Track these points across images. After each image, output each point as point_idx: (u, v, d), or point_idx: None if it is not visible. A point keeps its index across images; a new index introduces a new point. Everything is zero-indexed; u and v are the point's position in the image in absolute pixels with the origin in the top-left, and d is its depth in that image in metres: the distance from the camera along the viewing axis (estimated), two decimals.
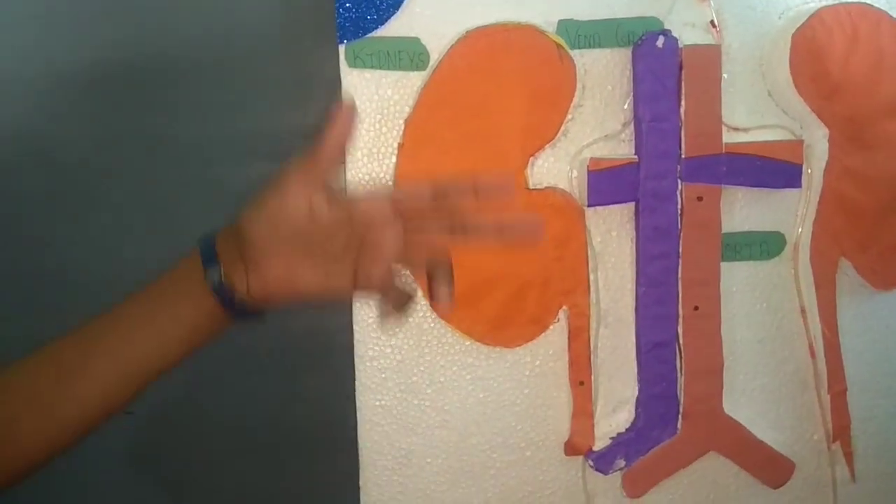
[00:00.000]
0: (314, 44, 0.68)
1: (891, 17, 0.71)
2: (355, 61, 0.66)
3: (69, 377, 0.46)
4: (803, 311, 0.73)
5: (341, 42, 0.65)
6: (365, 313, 0.68)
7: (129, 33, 0.67)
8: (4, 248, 0.70)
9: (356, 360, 0.69)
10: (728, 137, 0.70)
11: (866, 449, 0.76)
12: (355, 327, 0.69)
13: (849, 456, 0.75)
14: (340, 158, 0.51)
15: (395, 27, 0.66)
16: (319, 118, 0.69)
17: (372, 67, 0.66)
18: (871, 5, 0.71)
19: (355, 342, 0.69)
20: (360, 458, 0.70)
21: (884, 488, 0.77)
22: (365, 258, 0.47)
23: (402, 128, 0.66)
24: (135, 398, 0.47)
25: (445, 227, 0.48)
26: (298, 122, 0.69)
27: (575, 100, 0.68)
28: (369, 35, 0.66)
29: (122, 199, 0.70)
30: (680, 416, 0.71)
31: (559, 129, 0.68)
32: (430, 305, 0.68)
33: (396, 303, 0.49)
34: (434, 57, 0.66)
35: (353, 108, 0.49)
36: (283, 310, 0.68)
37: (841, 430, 0.74)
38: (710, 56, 0.68)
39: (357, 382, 0.69)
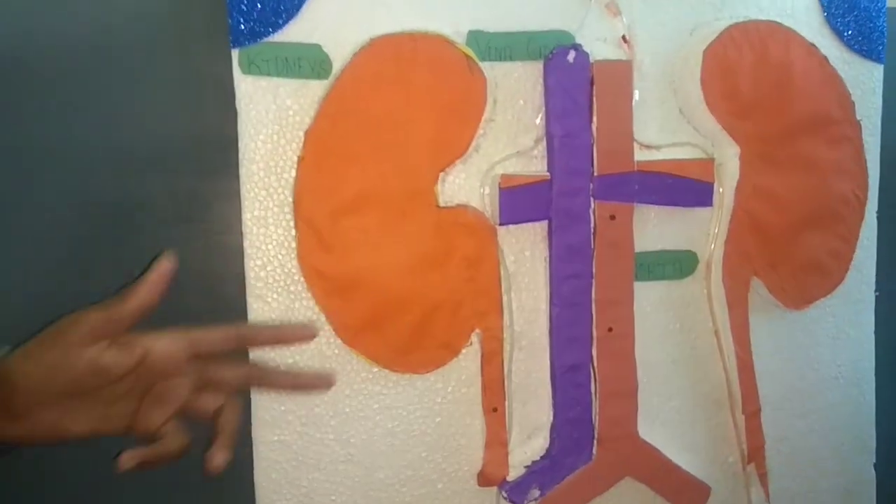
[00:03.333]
0: (205, 48, 0.62)
1: (800, 35, 0.73)
2: (250, 67, 0.61)
3: None
4: (717, 331, 0.73)
5: (234, 47, 0.60)
6: None
7: None
8: None
9: (251, 392, 0.63)
10: (640, 155, 0.68)
11: (781, 469, 0.76)
12: (251, 356, 0.63)
13: (763, 477, 0.74)
14: (144, 317, 0.48)
15: (294, 32, 0.61)
16: (209, 128, 0.65)
17: (269, 75, 0.61)
18: (781, 24, 0.72)
19: None
20: (257, 500, 0.64)
21: None
22: (148, 404, 0.46)
23: (303, 140, 0.62)
24: None
25: (241, 378, 0.50)
26: (185, 131, 0.63)
27: (486, 114, 0.65)
28: (265, 40, 0.61)
29: None
30: (595, 442, 0.69)
31: (470, 144, 0.65)
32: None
33: (165, 454, 0.48)
34: (336, 65, 0.62)
35: (169, 269, 0.49)
36: None
37: (755, 451, 0.74)
38: (622, 72, 0.67)
39: (253, 417, 0.63)
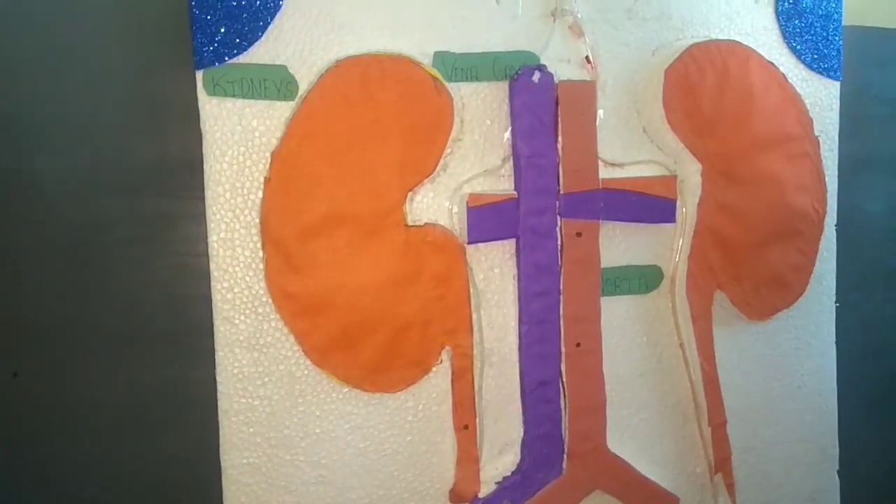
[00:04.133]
0: (169, 69, 0.62)
1: (758, 54, 0.74)
2: (215, 89, 0.61)
3: None
4: (682, 344, 0.74)
5: (199, 68, 0.60)
6: (229, 363, 0.63)
7: None
8: None
9: (220, 414, 0.63)
10: (605, 173, 0.69)
11: (747, 479, 0.77)
12: (219, 379, 0.63)
13: (731, 487, 0.76)
14: None
15: (259, 53, 0.61)
16: (174, 150, 0.65)
17: (234, 96, 0.61)
18: (740, 43, 0.74)
19: (219, 395, 0.63)
20: None
21: None
22: None
23: (269, 161, 0.62)
24: None
25: None
26: (150, 153, 0.62)
27: (453, 133, 0.66)
28: (231, 61, 0.61)
29: None
30: (565, 456, 0.70)
31: (438, 164, 0.65)
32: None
33: None
34: (303, 86, 0.62)
35: None
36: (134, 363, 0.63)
37: (722, 462, 0.75)
38: (586, 92, 0.68)
39: (221, 439, 0.63)
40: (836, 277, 0.80)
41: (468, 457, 0.68)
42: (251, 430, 0.64)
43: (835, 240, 0.80)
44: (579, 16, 0.69)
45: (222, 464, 0.63)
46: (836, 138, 0.79)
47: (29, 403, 0.62)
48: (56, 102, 0.61)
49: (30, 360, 0.62)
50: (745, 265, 0.74)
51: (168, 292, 0.64)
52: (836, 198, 0.79)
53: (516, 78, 0.66)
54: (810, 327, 0.80)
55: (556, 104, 0.66)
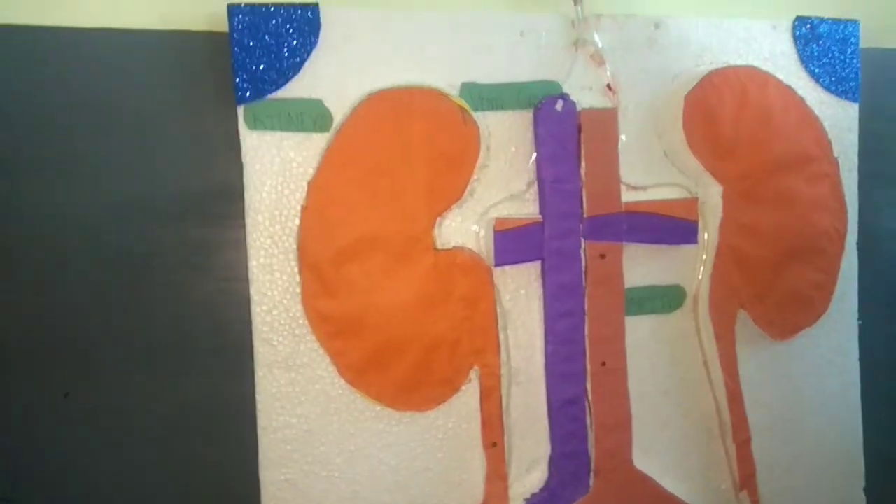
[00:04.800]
0: (211, 105, 0.65)
1: (776, 78, 0.76)
2: (255, 123, 0.64)
3: None
4: (706, 362, 0.75)
5: (240, 103, 0.64)
6: (268, 382, 0.66)
7: (11, 88, 0.63)
8: None
9: (259, 431, 0.66)
10: (627, 196, 0.72)
11: (772, 496, 0.78)
12: (258, 397, 0.65)
13: None
14: None
15: (296, 89, 0.65)
16: (217, 180, 0.68)
17: (273, 129, 0.65)
18: (758, 68, 0.76)
19: (258, 413, 0.66)
20: None
21: None
22: None
23: (306, 189, 0.65)
24: None
25: None
26: (195, 184, 0.66)
27: (480, 160, 0.68)
28: (269, 97, 0.64)
29: (4, 267, 0.65)
30: (591, 473, 0.71)
31: (465, 189, 0.68)
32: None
33: None
34: (337, 118, 0.65)
35: None
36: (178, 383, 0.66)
37: (747, 479, 0.76)
38: (608, 119, 0.70)
39: (260, 456, 0.66)
40: (858, 295, 0.81)
41: (497, 474, 0.70)
42: (288, 447, 0.66)
43: (856, 258, 0.81)
44: (600, 45, 0.71)
45: (261, 480, 0.66)
46: (856, 159, 0.81)
47: (79, 421, 0.65)
48: (109, 138, 0.65)
49: (80, 381, 0.65)
50: (766, 284, 0.75)
51: (210, 315, 0.67)
52: (856, 217, 0.80)
53: (540, 107, 0.69)
54: (833, 345, 0.81)
55: (579, 131, 0.69)
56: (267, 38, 0.64)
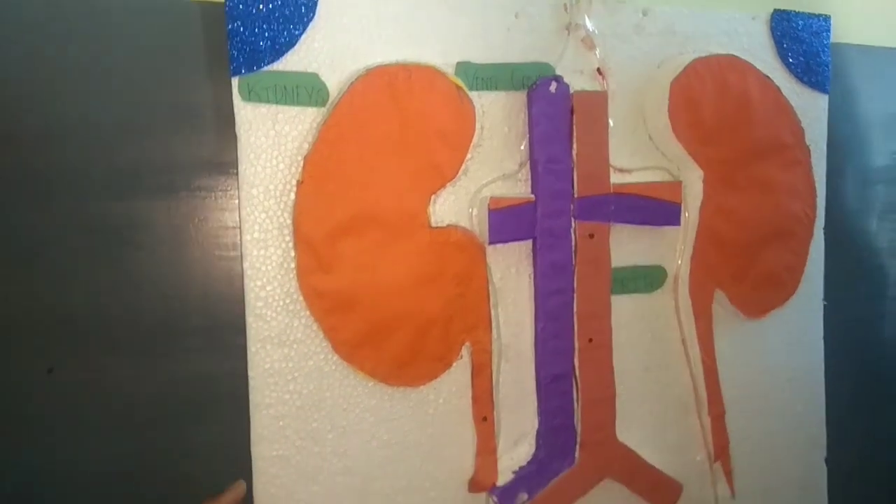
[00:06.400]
0: (206, 76, 0.64)
1: (755, 68, 0.79)
2: (250, 95, 0.63)
3: None
4: (684, 339, 0.78)
5: (234, 75, 0.63)
6: (261, 358, 0.65)
7: None
8: None
9: (251, 408, 0.65)
10: (614, 178, 0.74)
11: (744, 466, 0.82)
12: (250, 374, 0.65)
13: (728, 474, 0.80)
14: None
15: (292, 61, 0.64)
16: (210, 153, 0.67)
17: (268, 102, 0.64)
18: (739, 57, 0.79)
19: (251, 389, 0.65)
20: None
21: (762, 503, 0.84)
22: None
23: (301, 164, 0.64)
24: None
25: None
26: (186, 155, 0.64)
27: (474, 140, 0.69)
28: (265, 69, 0.63)
29: None
30: (577, 446, 0.74)
31: (460, 168, 0.69)
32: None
33: None
34: (333, 93, 0.65)
35: (242, 494, 0.62)
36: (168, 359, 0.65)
37: (721, 450, 0.79)
38: (599, 101, 0.72)
39: (252, 433, 0.65)
40: (825, 277, 0.86)
41: (487, 448, 0.71)
42: (281, 423, 0.66)
43: (823, 242, 0.85)
44: (591, 30, 0.73)
45: (253, 456, 0.65)
46: (825, 147, 0.85)
47: (64, 397, 0.64)
48: (99, 107, 0.62)
49: (64, 355, 0.63)
50: (743, 265, 0.79)
51: (202, 290, 0.66)
52: (824, 202, 0.84)
53: (535, 88, 0.70)
54: (800, 324, 0.85)
55: (572, 113, 0.70)
56: (263, 8, 0.63)
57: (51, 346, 0.63)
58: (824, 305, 0.86)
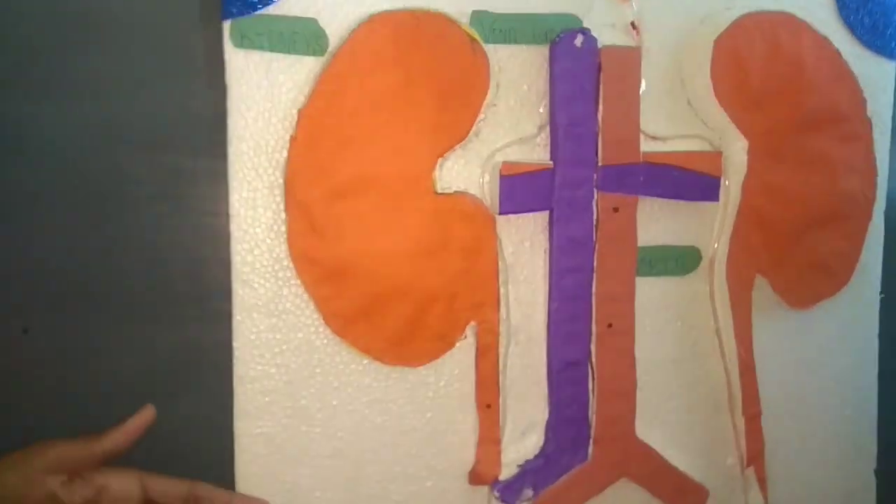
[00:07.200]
0: (194, 19, 0.59)
1: (812, 28, 0.70)
2: (242, 41, 0.58)
3: None
4: (718, 330, 0.71)
5: (225, 18, 0.57)
6: (247, 328, 0.60)
7: None
8: None
9: (235, 381, 0.61)
10: (646, 146, 0.66)
11: (780, 474, 0.75)
12: (235, 344, 0.60)
13: (762, 482, 0.73)
14: (114, 460, 0.54)
15: (289, 5, 0.58)
16: (198, 103, 0.62)
17: (261, 49, 0.58)
18: (794, 15, 0.70)
19: (234, 361, 0.60)
20: None
21: None
22: None
23: (296, 118, 0.59)
24: None
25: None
26: (172, 106, 0.60)
27: (488, 98, 0.62)
28: (259, 12, 0.58)
29: None
30: (591, 441, 0.67)
31: (471, 129, 0.62)
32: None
33: None
34: (333, 41, 0.59)
35: (149, 419, 0.55)
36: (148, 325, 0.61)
37: (755, 455, 0.72)
38: (631, 58, 0.64)
39: (235, 408, 0.61)
40: (883, 267, 0.77)
41: (490, 437, 0.66)
42: (267, 398, 0.61)
43: (883, 228, 0.76)
44: None
45: (235, 432, 0.61)
46: (889, 121, 0.76)
47: (39, 360, 0.60)
48: (77, 53, 0.58)
49: (41, 316, 0.60)
50: (788, 249, 0.71)
51: (185, 253, 0.61)
52: (886, 183, 0.76)
53: (558, 42, 0.63)
54: (853, 319, 0.77)
55: (599, 71, 0.63)
56: None
57: (26, 305, 0.60)
58: (881, 298, 0.78)
